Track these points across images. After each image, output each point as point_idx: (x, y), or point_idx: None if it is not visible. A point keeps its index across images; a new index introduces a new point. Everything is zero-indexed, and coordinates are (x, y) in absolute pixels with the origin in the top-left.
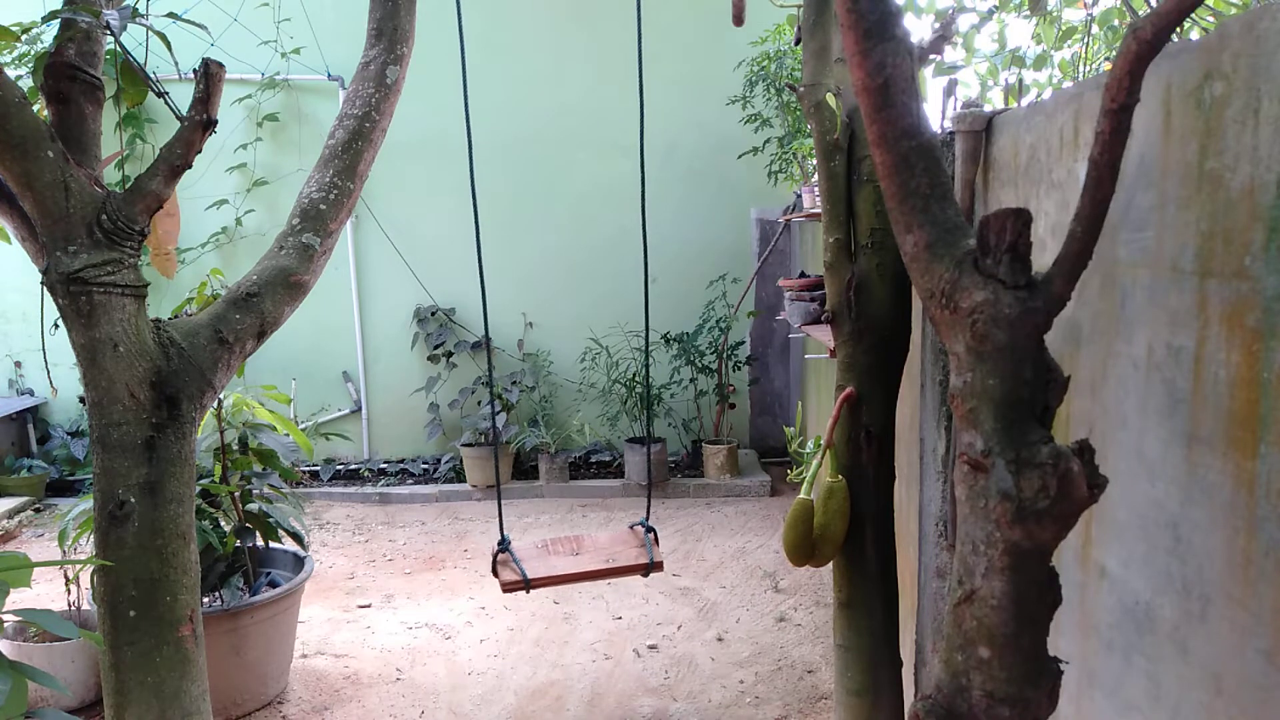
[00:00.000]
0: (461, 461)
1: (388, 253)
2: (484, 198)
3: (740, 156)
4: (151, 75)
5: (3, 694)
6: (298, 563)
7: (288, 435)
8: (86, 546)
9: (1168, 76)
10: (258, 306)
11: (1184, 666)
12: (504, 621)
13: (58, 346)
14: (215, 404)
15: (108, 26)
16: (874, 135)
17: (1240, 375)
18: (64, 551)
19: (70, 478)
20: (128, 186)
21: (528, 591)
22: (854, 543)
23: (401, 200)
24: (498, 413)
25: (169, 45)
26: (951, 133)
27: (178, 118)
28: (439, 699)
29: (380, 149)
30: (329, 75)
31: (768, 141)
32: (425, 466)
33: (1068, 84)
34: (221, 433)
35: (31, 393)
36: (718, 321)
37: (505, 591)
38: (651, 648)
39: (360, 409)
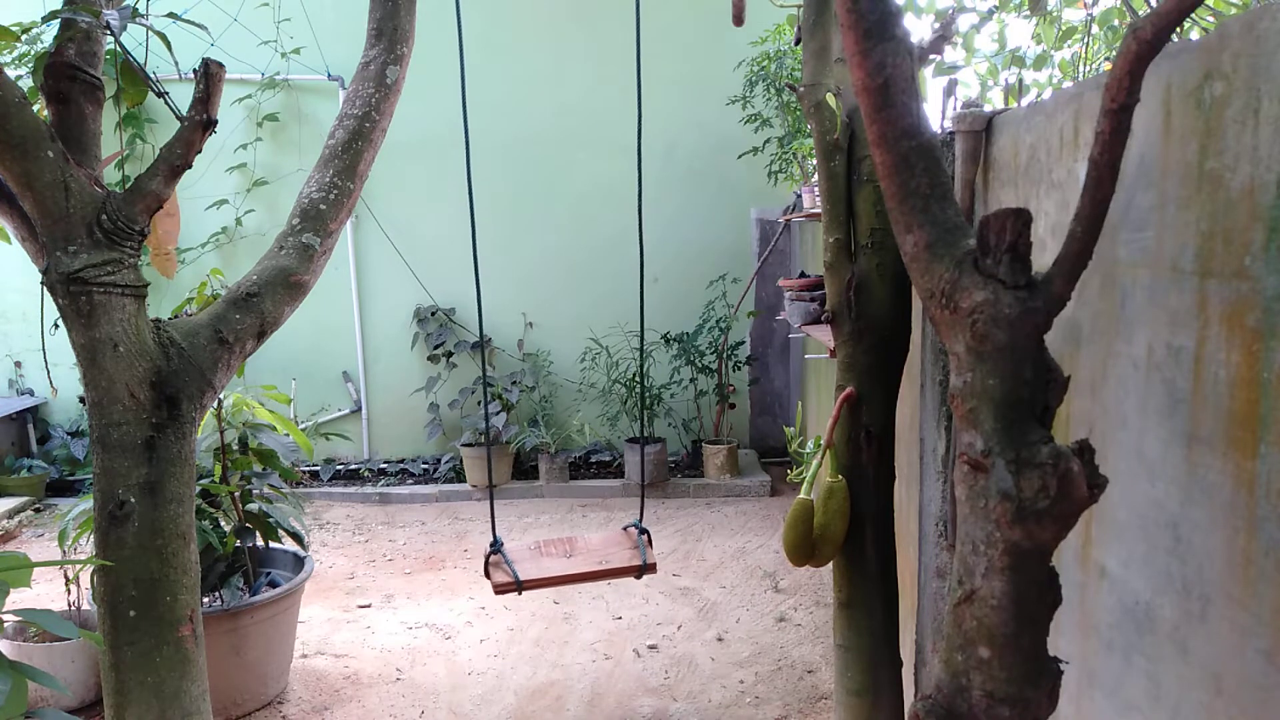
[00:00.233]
0: (461, 461)
1: (388, 253)
2: (484, 198)
3: (740, 156)
4: (151, 75)
5: (3, 694)
6: (298, 563)
7: (288, 435)
8: (86, 546)
9: (1168, 76)
10: (258, 306)
11: (1184, 666)
12: (504, 621)
13: (58, 346)
14: (215, 404)
15: (108, 26)
16: (874, 135)
17: (1240, 375)
18: (64, 551)
19: (70, 478)
20: (128, 186)
21: (520, 593)
22: (854, 543)
23: (401, 200)
24: (498, 413)
25: (169, 45)
26: (951, 133)
27: (178, 118)
28: (439, 699)
29: (380, 149)
30: (329, 75)
31: (768, 141)
32: (425, 466)
33: (1068, 84)
34: (221, 433)
35: (31, 393)
36: (718, 321)
37: (497, 593)
38: (651, 648)
39: (360, 409)
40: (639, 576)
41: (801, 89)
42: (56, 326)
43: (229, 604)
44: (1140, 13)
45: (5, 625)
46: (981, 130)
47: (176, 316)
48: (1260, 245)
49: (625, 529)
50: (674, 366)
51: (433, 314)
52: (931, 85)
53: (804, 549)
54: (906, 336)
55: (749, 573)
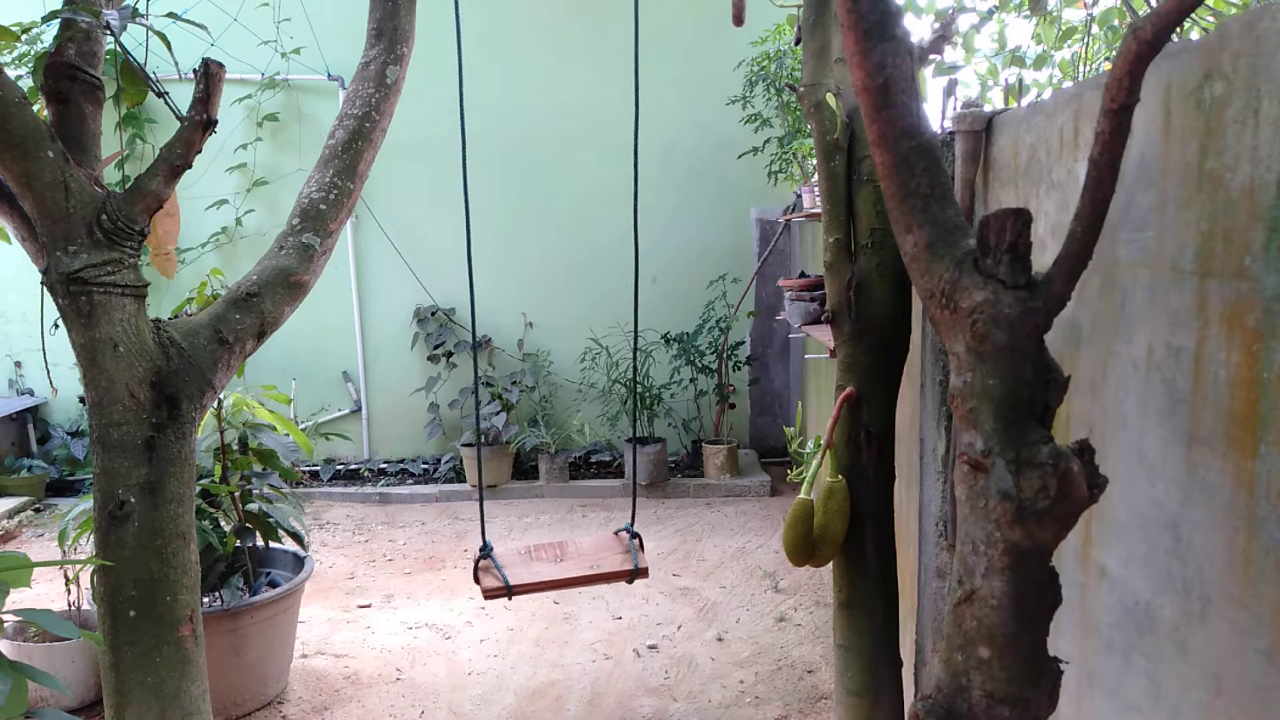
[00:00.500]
0: (461, 461)
1: (388, 253)
2: (484, 198)
3: (740, 156)
4: (151, 75)
5: (3, 694)
6: (298, 563)
7: (288, 435)
8: (86, 546)
9: (1168, 76)
10: (258, 306)
11: (1184, 666)
12: (504, 621)
13: (58, 346)
14: (215, 404)
15: (108, 26)
16: (874, 135)
17: (1240, 375)
18: (64, 551)
19: (70, 478)
20: (128, 186)
21: (510, 599)
22: (854, 543)
23: (401, 200)
24: (498, 413)
25: (169, 45)
26: (951, 133)
27: (178, 118)
28: (439, 699)
29: (380, 149)
30: (329, 75)
31: (768, 141)
32: (425, 466)
33: (1068, 84)
34: (221, 433)
35: (31, 393)
36: (718, 321)
37: (487, 598)
38: (651, 648)
39: (360, 409)
40: (630, 581)
41: (801, 89)
42: (56, 326)
43: (229, 604)
44: (1140, 13)
45: (5, 625)
46: (981, 130)
47: (176, 316)
48: (1260, 245)
49: (616, 533)
50: (674, 366)
51: (433, 314)
52: (931, 85)
53: (804, 549)
54: (906, 336)
55: (749, 573)
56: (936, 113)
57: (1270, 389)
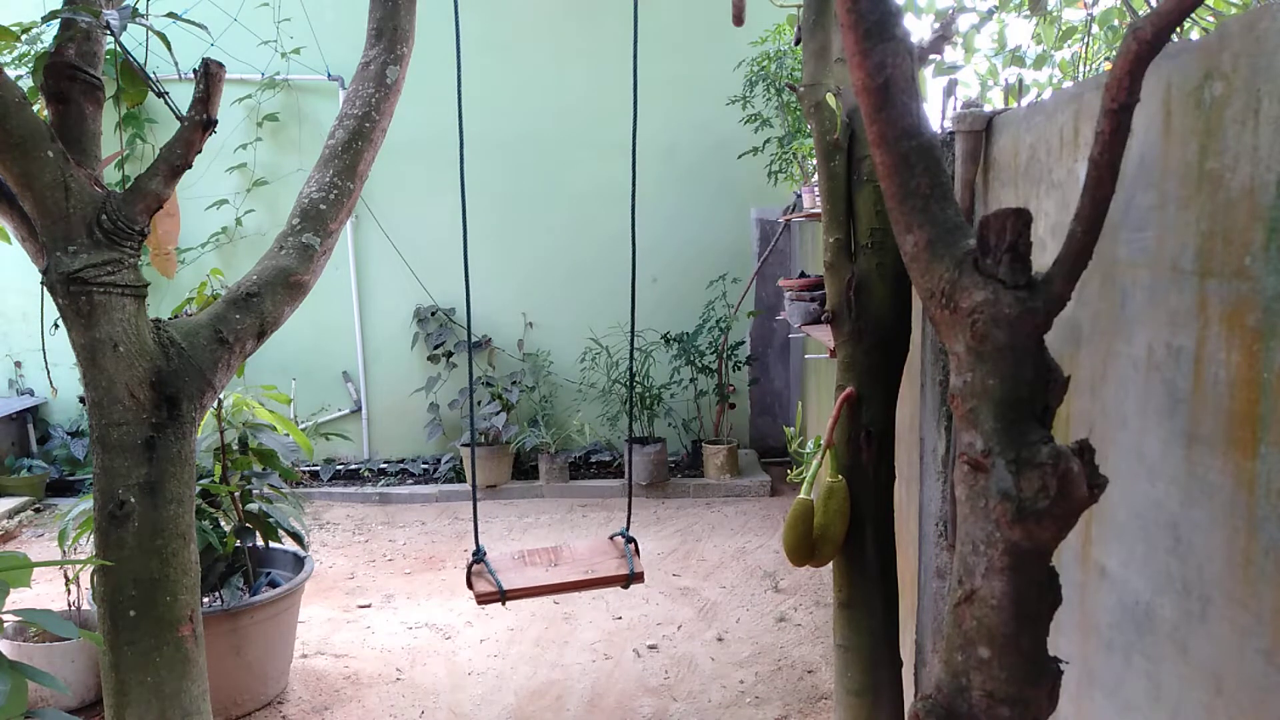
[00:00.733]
0: (461, 461)
1: (388, 253)
2: (484, 198)
3: (740, 156)
4: (151, 75)
5: (3, 694)
6: (298, 563)
7: (288, 435)
8: (86, 546)
9: (1168, 76)
10: (258, 306)
11: (1184, 666)
12: (504, 621)
13: (58, 346)
14: (215, 404)
15: (108, 26)
16: (874, 135)
17: (1240, 375)
18: (64, 551)
19: (70, 478)
20: (128, 186)
21: (503, 604)
22: (854, 543)
23: (401, 200)
24: (498, 413)
25: (169, 45)
26: (951, 133)
27: (178, 118)
28: (439, 699)
29: (380, 149)
30: (329, 75)
31: (768, 141)
32: (425, 466)
33: (1068, 84)
34: (221, 433)
35: (31, 393)
36: (718, 321)
37: (480, 603)
38: (651, 648)
39: (360, 409)
40: (626, 586)
41: (801, 89)
42: (56, 326)
43: (229, 604)
44: (1140, 13)
45: (5, 625)
46: (981, 130)
47: (176, 316)
48: (1260, 245)
49: (612, 538)
50: (674, 367)
51: (433, 314)
52: (931, 85)
53: (804, 549)
54: (906, 336)
55: (749, 573)
56: (936, 113)
57: (1270, 389)
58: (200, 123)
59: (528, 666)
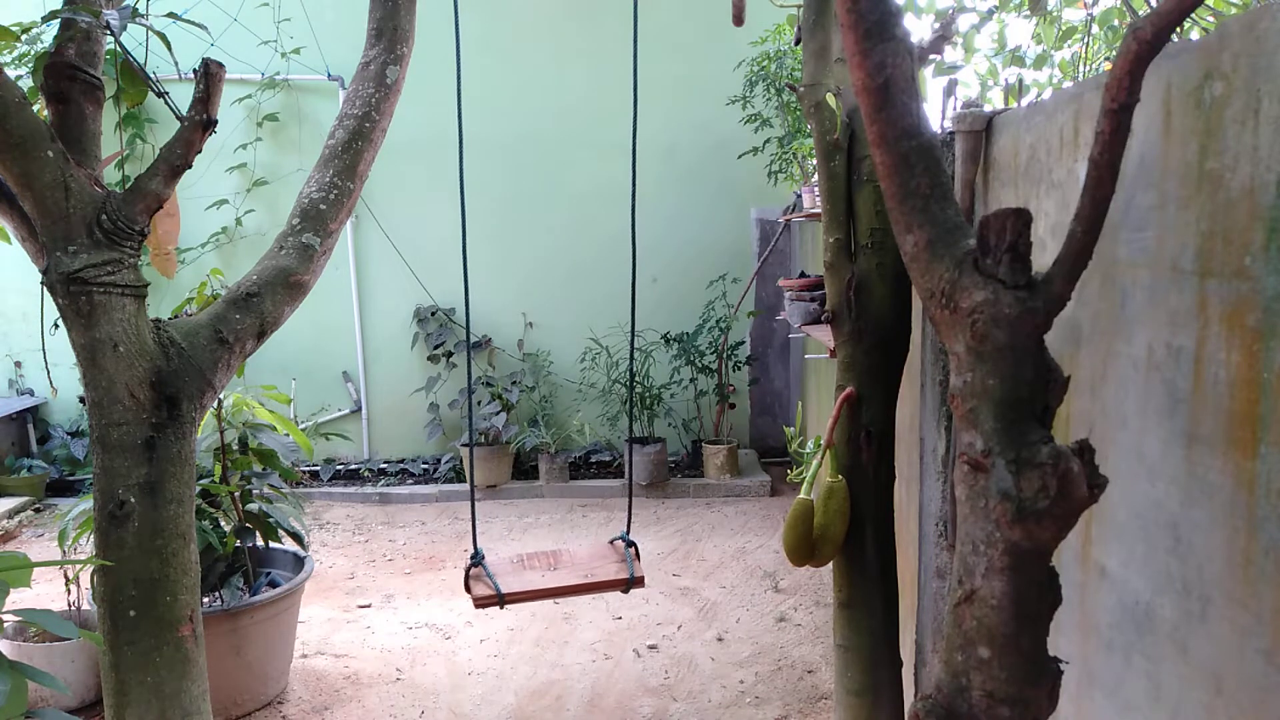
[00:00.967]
0: (461, 461)
1: (388, 253)
2: (484, 198)
3: (740, 156)
4: (151, 75)
5: (3, 694)
6: (298, 563)
7: (288, 435)
8: (86, 546)
9: (1168, 76)
10: (258, 306)
11: (1184, 666)
12: (504, 621)
13: (58, 346)
14: (215, 404)
15: (108, 26)
16: (874, 135)
17: (1240, 375)
18: (64, 551)
19: (70, 478)
20: (128, 186)
21: (501, 607)
22: (854, 543)
23: (401, 200)
24: (498, 413)
25: (169, 45)
26: (951, 133)
27: (178, 118)
28: (439, 699)
29: (380, 149)
30: (329, 75)
31: (768, 141)
32: (425, 466)
33: (1068, 84)
34: (221, 433)
35: (31, 393)
36: (718, 321)
37: (478, 607)
38: (651, 648)
39: (360, 409)
40: (626, 591)
41: (801, 89)
42: (56, 326)
43: (229, 604)
44: (1140, 13)
45: (5, 625)
46: (981, 130)
47: (176, 316)
48: (1260, 245)
49: (612, 541)
50: (674, 367)
51: (433, 314)
52: (931, 85)
53: (804, 549)
54: (906, 336)
55: (749, 573)
56: (936, 113)
57: (1270, 389)
58: (200, 123)
59: (528, 666)
